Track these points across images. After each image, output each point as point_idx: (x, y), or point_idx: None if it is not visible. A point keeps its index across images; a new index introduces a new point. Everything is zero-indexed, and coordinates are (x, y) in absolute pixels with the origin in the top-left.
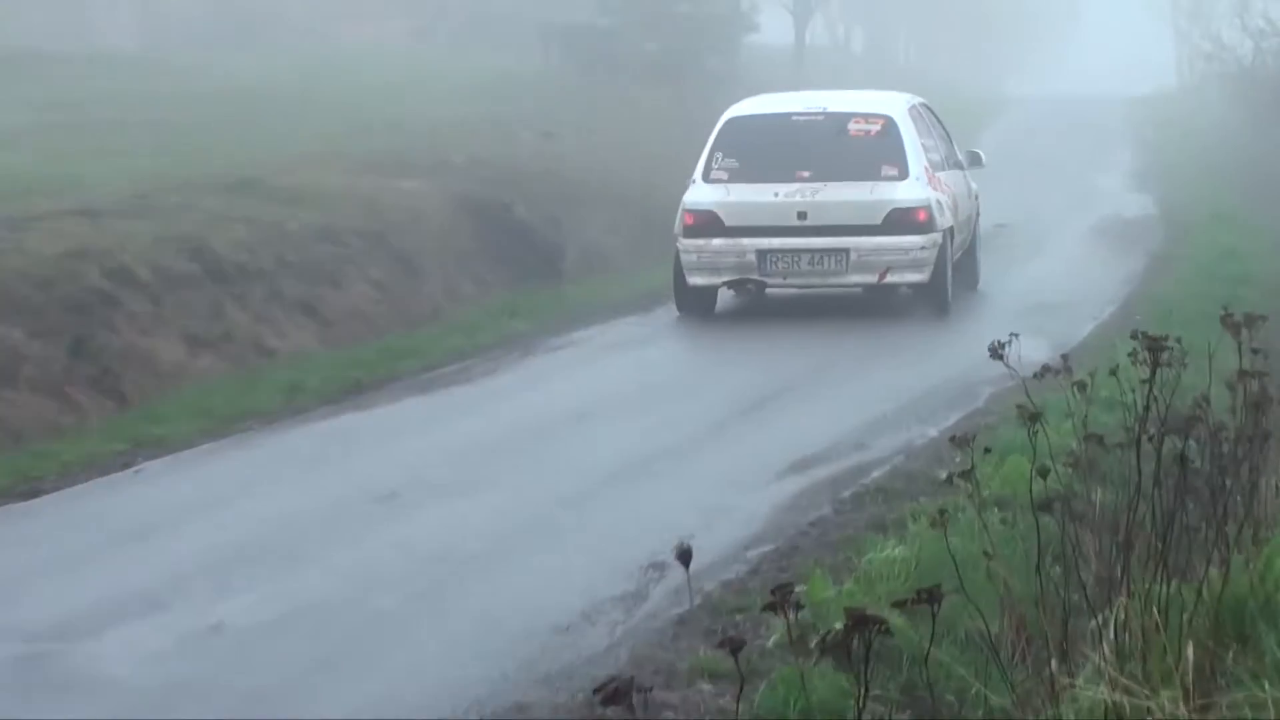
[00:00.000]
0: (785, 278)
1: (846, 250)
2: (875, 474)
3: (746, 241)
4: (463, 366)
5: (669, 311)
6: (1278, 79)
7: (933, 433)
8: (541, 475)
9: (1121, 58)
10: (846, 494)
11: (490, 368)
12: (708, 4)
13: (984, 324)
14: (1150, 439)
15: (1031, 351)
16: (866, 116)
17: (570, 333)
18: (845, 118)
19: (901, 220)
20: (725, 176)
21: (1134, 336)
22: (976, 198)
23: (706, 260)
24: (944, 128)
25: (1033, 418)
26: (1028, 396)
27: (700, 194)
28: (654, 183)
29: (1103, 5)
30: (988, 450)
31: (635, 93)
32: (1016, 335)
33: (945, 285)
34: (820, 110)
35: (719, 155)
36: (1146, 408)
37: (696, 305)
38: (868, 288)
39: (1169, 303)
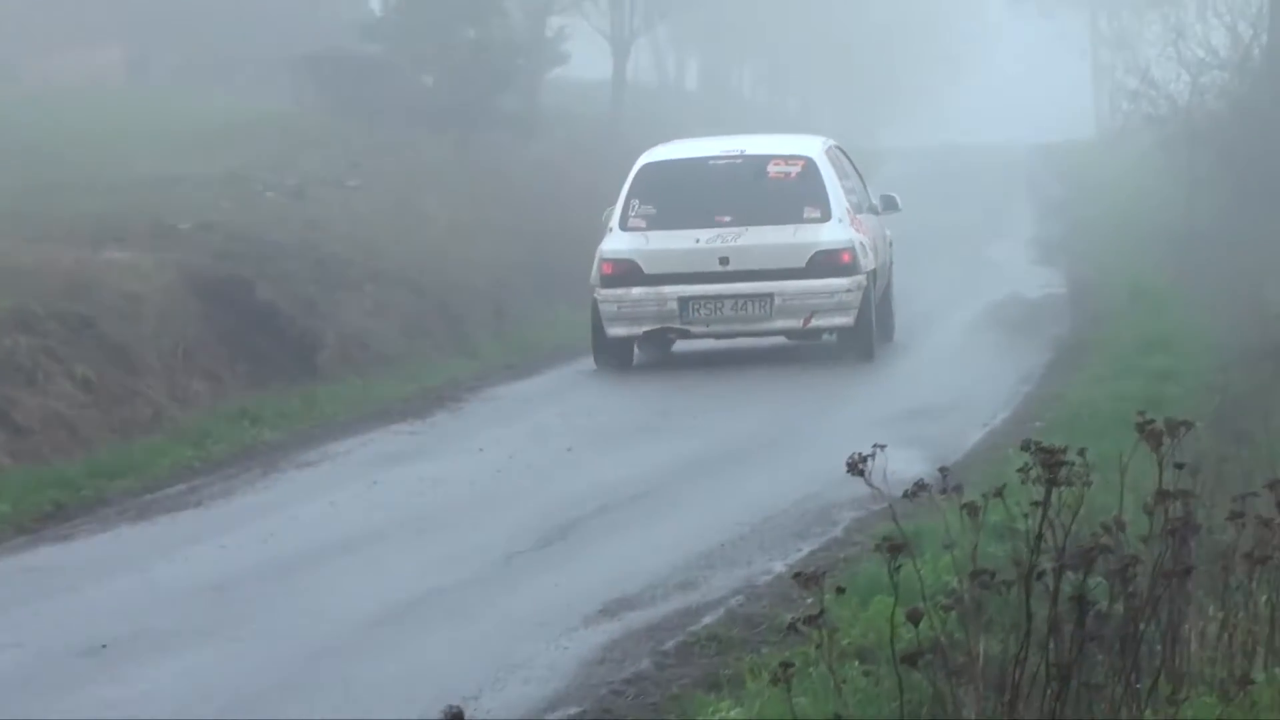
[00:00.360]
0: (708, 325)
1: (771, 295)
2: (706, 619)
3: (668, 289)
4: (191, 486)
5: (452, 416)
6: (1221, 121)
7: (779, 567)
8: (291, 622)
9: (1032, 100)
10: (670, 644)
11: (225, 488)
12: (502, 30)
13: (849, 429)
14: (1045, 575)
15: (904, 465)
16: (786, 158)
17: (326, 443)
18: (764, 160)
19: (826, 263)
20: (643, 224)
21: (1027, 448)
22: (891, 244)
23: (627, 310)
24: (858, 171)
25: (897, 549)
26: (896, 523)
27: (618, 242)
28: (434, 252)
29: (1011, 40)
30: (842, 590)
31: (410, 140)
32: (883, 446)
33: (870, 329)
34: (738, 153)
35: (635, 202)
36: (1039, 536)
37: (615, 357)
38: (791, 334)
39: (1077, 405)
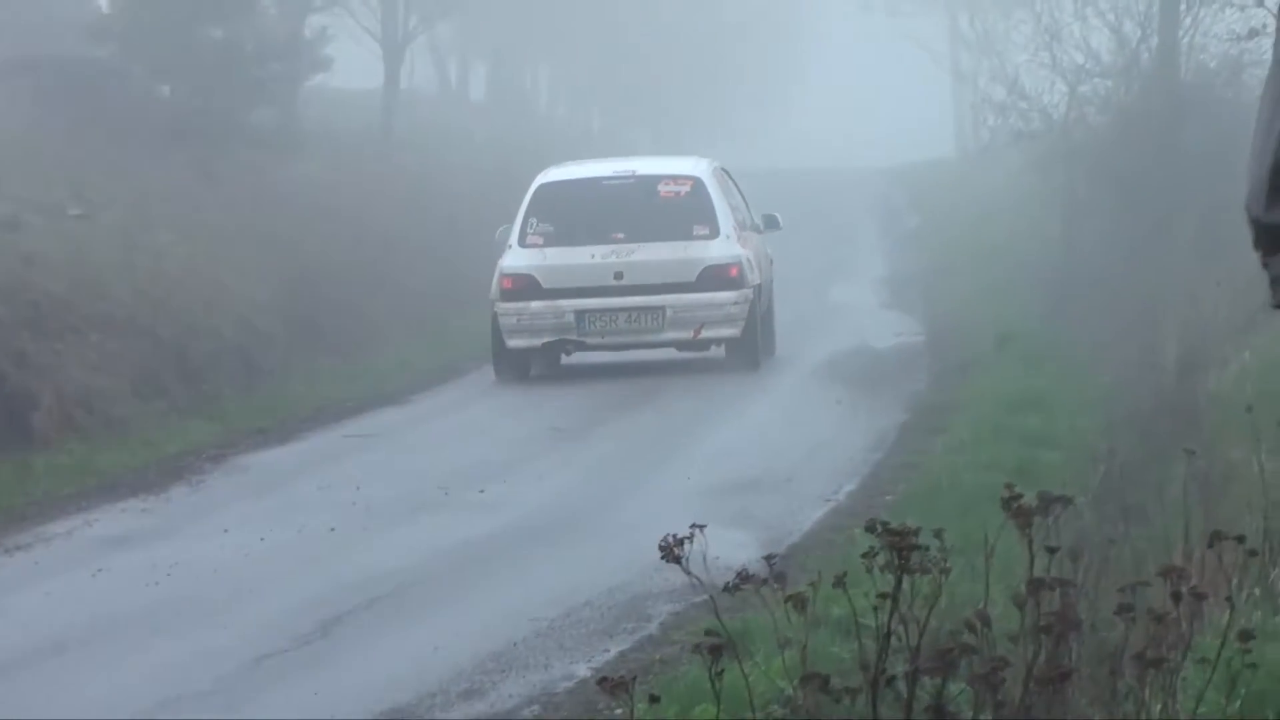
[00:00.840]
0: (603, 336)
1: (663, 308)
2: None
3: (565, 303)
4: None
5: (191, 490)
6: (1103, 137)
7: (583, 671)
8: None
9: (883, 115)
10: None
11: None
12: (254, 31)
13: (668, 503)
14: (896, 680)
15: (730, 550)
16: (675, 178)
17: (42, 523)
18: (655, 180)
19: (714, 277)
20: (541, 241)
21: (873, 528)
22: (771, 262)
23: (525, 323)
24: (740, 191)
25: (718, 650)
26: (718, 618)
27: (517, 258)
28: (171, 294)
29: (858, 48)
30: (657, 699)
31: (145, 160)
32: (702, 526)
33: (755, 340)
34: (630, 174)
35: (533, 220)
36: (889, 634)
37: (514, 368)
38: (682, 345)
39: (935, 476)
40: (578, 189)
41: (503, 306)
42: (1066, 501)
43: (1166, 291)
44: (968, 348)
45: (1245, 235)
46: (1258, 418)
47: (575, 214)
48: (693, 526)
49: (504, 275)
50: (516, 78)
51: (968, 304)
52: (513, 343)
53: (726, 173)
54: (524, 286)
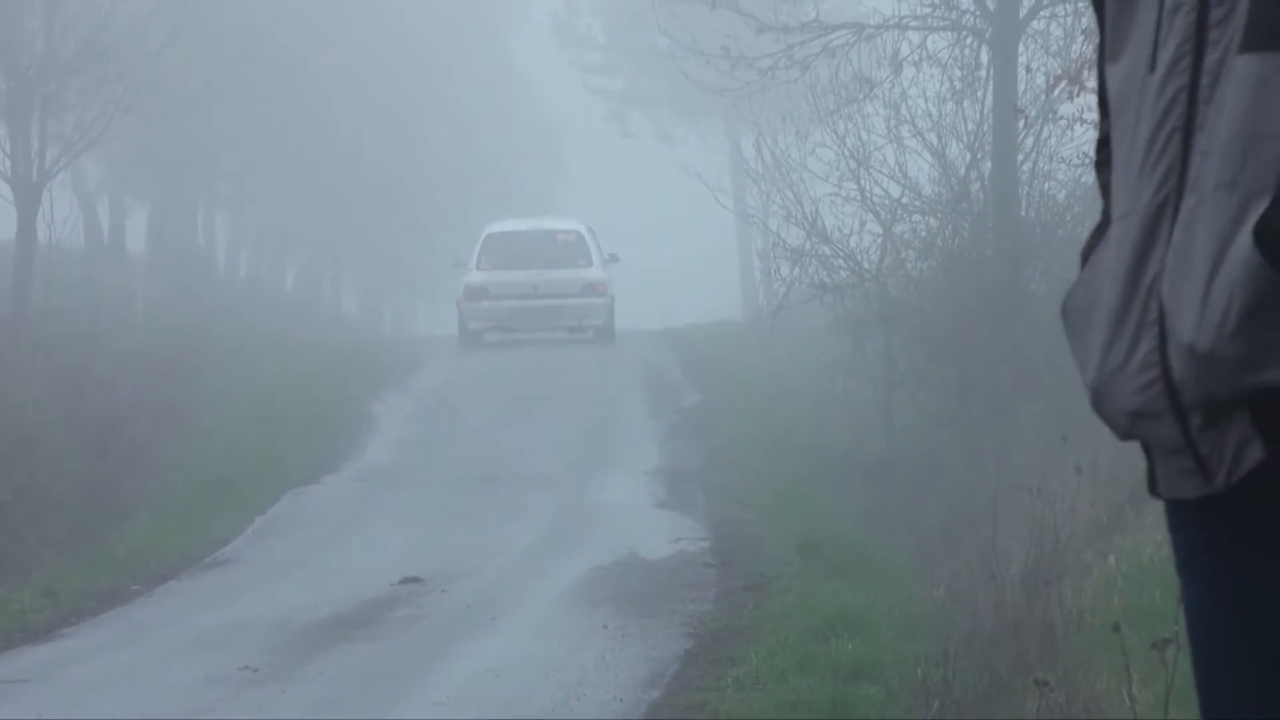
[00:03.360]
0: (525, 327)
1: (561, 308)
2: None
3: (504, 304)
4: None
5: None
6: (927, 290)
7: None
8: None
9: (658, 266)
10: None
11: None
12: None
13: None
14: None
15: None
16: (567, 231)
17: None
18: (555, 232)
19: (590, 289)
20: (490, 265)
21: None
22: (612, 283)
23: (479, 315)
24: (599, 242)
25: None
26: None
27: (475, 277)
28: None
29: (623, 180)
30: None
31: None
32: None
33: (611, 327)
34: (540, 228)
35: (484, 255)
36: None
37: (473, 339)
38: (570, 330)
39: None
40: (510, 236)
41: (466, 306)
42: None
43: (1006, 479)
44: (764, 557)
45: None
46: (1127, 639)
47: (509, 250)
48: None
49: (467, 286)
50: (186, 226)
51: (763, 502)
52: (472, 326)
53: (593, 230)
54: (478, 293)
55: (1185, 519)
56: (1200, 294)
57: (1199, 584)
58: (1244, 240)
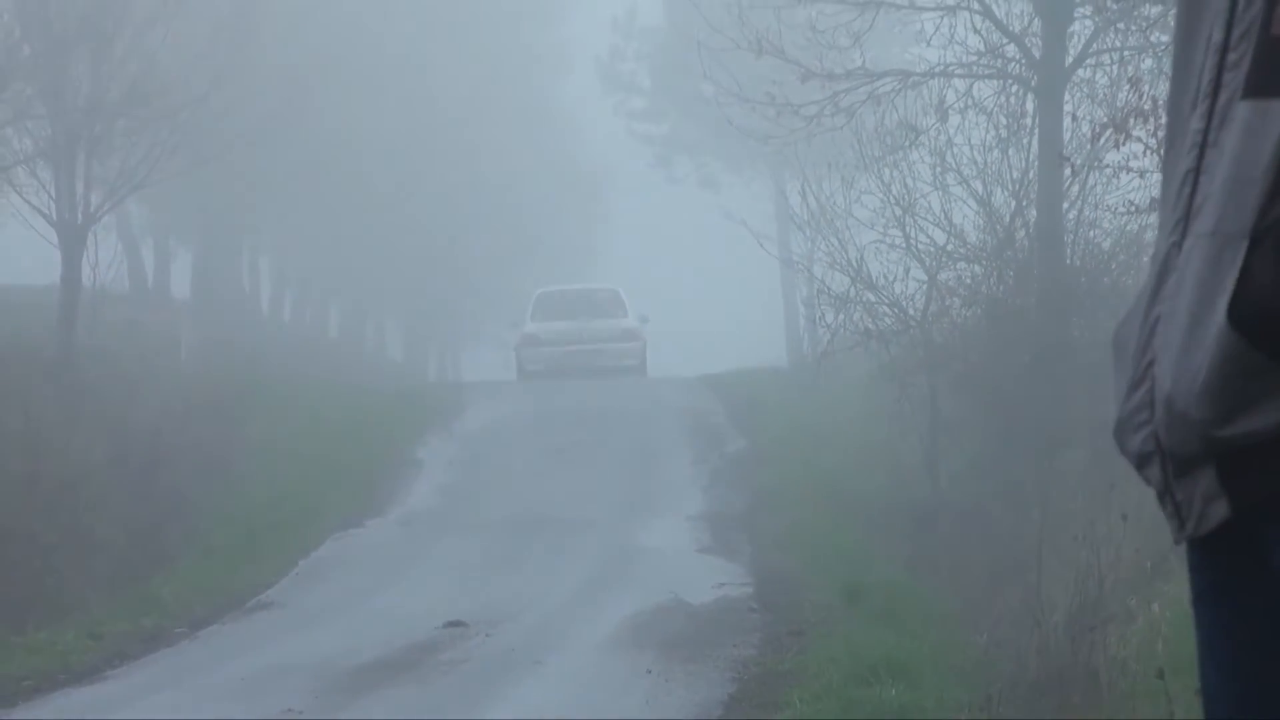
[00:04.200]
0: (574, 367)
1: (602, 351)
2: None
3: (555, 349)
4: None
5: None
6: (972, 338)
7: None
8: None
9: (703, 312)
10: None
11: None
12: None
13: None
14: None
15: None
16: (605, 289)
17: None
18: (596, 290)
19: (627, 336)
20: (542, 318)
21: None
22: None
23: (535, 358)
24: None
25: None
26: None
27: (530, 328)
28: None
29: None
30: None
31: None
32: None
33: (645, 367)
34: (583, 287)
35: (537, 310)
36: None
37: (531, 378)
38: (610, 370)
39: None
40: (558, 295)
41: (523, 351)
42: None
43: (1054, 529)
44: (808, 602)
45: None
46: (1171, 686)
47: (558, 306)
48: None
49: (523, 335)
50: (230, 270)
51: (807, 548)
52: (529, 368)
53: (623, 291)
54: (533, 341)
55: (1196, 558)
56: (1179, 343)
57: (1203, 624)
58: (1221, 304)
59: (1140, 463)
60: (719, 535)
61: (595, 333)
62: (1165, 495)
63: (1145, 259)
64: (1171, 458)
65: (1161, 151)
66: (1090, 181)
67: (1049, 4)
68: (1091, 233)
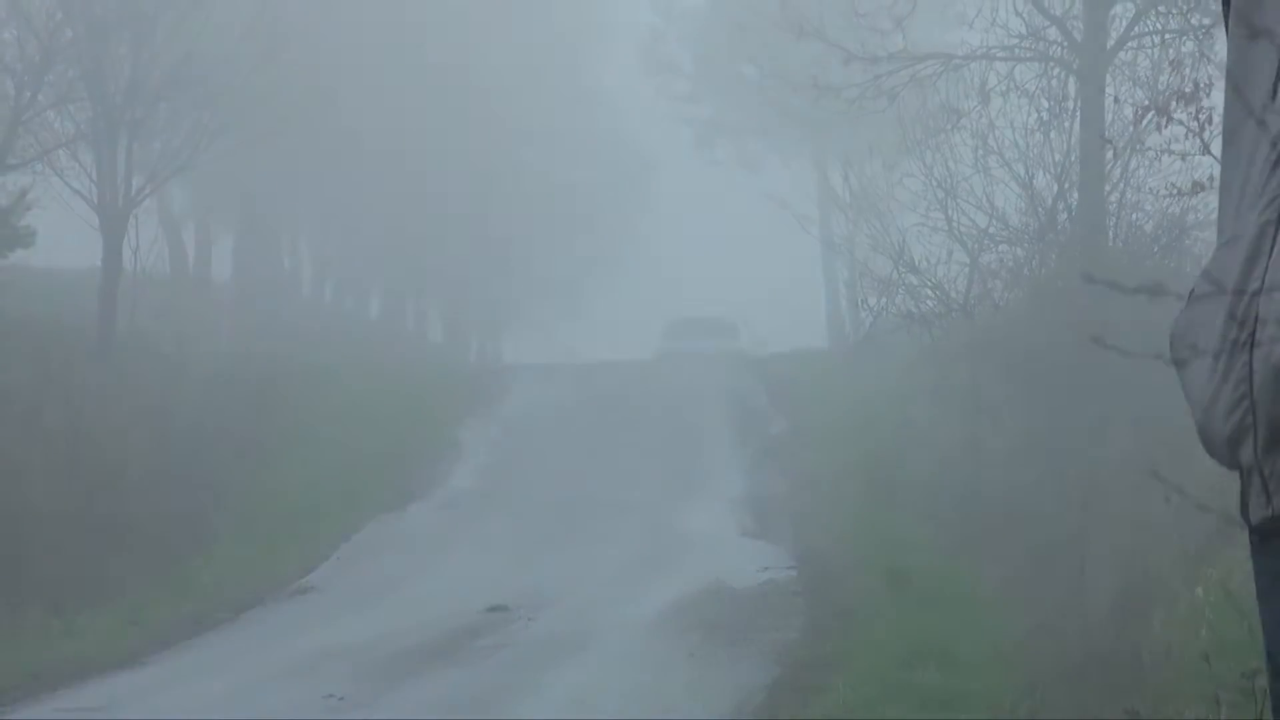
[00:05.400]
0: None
1: (717, 355)
2: None
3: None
4: None
5: None
6: (1015, 321)
7: None
8: None
9: (745, 293)
10: None
11: None
12: None
13: None
14: None
15: None
16: (722, 317)
17: None
18: (715, 318)
19: (739, 349)
20: (674, 335)
21: None
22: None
23: (670, 352)
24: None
25: None
26: None
27: (665, 341)
28: None
29: (713, 211)
30: None
31: None
32: None
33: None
34: (704, 315)
35: (671, 330)
36: None
37: (665, 362)
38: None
39: None
40: (686, 319)
41: (662, 348)
42: None
43: (1097, 513)
44: (851, 586)
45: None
46: (1216, 669)
47: (686, 328)
48: None
49: (661, 347)
50: (271, 253)
51: (850, 532)
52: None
53: (740, 320)
54: (664, 353)
55: (1266, 545)
56: None
57: (1276, 611)
58: None
59: (1233, 443)
60: (762, 518)
61: (712, 350)
62: (1254, 471)
63: (1186, 242)
64: (1267, 425)
65: (1205, 135)
66: (1132, 164)
67: None
68: (1134, 215)
